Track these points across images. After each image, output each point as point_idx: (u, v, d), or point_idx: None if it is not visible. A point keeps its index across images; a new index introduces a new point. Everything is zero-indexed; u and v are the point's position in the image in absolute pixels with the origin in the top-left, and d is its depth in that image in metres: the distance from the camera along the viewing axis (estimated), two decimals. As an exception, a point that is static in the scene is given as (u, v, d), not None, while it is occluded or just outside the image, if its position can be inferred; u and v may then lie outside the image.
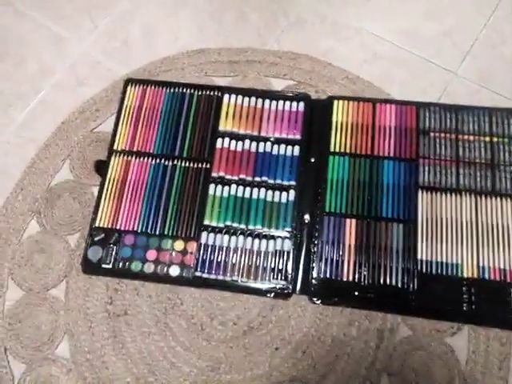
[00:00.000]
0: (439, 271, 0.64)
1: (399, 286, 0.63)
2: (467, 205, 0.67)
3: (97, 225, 0.69)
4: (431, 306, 0.63)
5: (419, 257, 0.64)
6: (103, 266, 0.67)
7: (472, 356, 0.61)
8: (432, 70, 0.78)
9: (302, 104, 0.75)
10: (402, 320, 0.64)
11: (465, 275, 0.63)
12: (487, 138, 0.70)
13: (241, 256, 0.67)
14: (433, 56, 0.79)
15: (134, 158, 0.73)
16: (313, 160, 0.72)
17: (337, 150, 0.71)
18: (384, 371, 0.61)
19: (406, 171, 0.69)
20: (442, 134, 0.71)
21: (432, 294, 0.63)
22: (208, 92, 0.77)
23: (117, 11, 0.88)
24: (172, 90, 0.77)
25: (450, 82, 0.77)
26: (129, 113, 0.76)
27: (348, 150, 0.71)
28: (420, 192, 0.68)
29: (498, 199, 0.67)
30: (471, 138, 0.70)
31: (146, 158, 0.73)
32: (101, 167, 0.74)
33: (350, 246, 0.66)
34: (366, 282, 0.64)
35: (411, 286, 0.63)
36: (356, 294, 0.64)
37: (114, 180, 0.72)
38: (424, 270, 0.64)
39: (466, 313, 0.62)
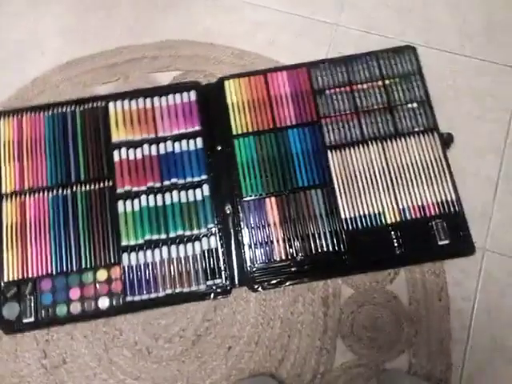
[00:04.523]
0: (364, 224, 0.64)
1: (331, 249, 0.63)
2: (375, 153, 0.67)
3: (5, 280, 0.63)
4: (365, 259, 0.63)
5: (343, 216, 0.64)
6: (24, 320, 0.61)
7: (413, 295, 0.63)
8: (315, 27, 0.76)
9: (193, 93, 0.71)
10: (342, 282, 0.64)
11: (388, 221, 0.64)
12: (380, 83, 0.70)
13: (169, 267, 0.63)
14: (313, 12, 0.77)
15: (27, 196, 0.66)
16: (219, 148, 0.69)
17: (239, 131, 0.69)
18: (337, 336, 0.62)
19: (311, 135, 0.68)
20: (337, 89, 0.70)
21: (363, 249, 0.63)
22: (90, 105, 0.70)
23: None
24: (51, 113, 0.70)
25: (335, 34, 0.76)
26: (9, 149, 0.69)
27: (250, 129, 0.69)
28: (329, 152, 0.67)
29: (403, 139, 0.68)
30: (365, 86, 0.70)
31: (41, 194, 0.66)
32: (-7, 216, 0.66)
33: (274, 224, 0.65)
34: (300, 255, 0.63)
35: (342, 246, 0.63)
36: (293, 269, 0.63)
37: (11, 226, 0.65)
38: (350, 227, 0.64)
39: (398, 256, 0.63)
